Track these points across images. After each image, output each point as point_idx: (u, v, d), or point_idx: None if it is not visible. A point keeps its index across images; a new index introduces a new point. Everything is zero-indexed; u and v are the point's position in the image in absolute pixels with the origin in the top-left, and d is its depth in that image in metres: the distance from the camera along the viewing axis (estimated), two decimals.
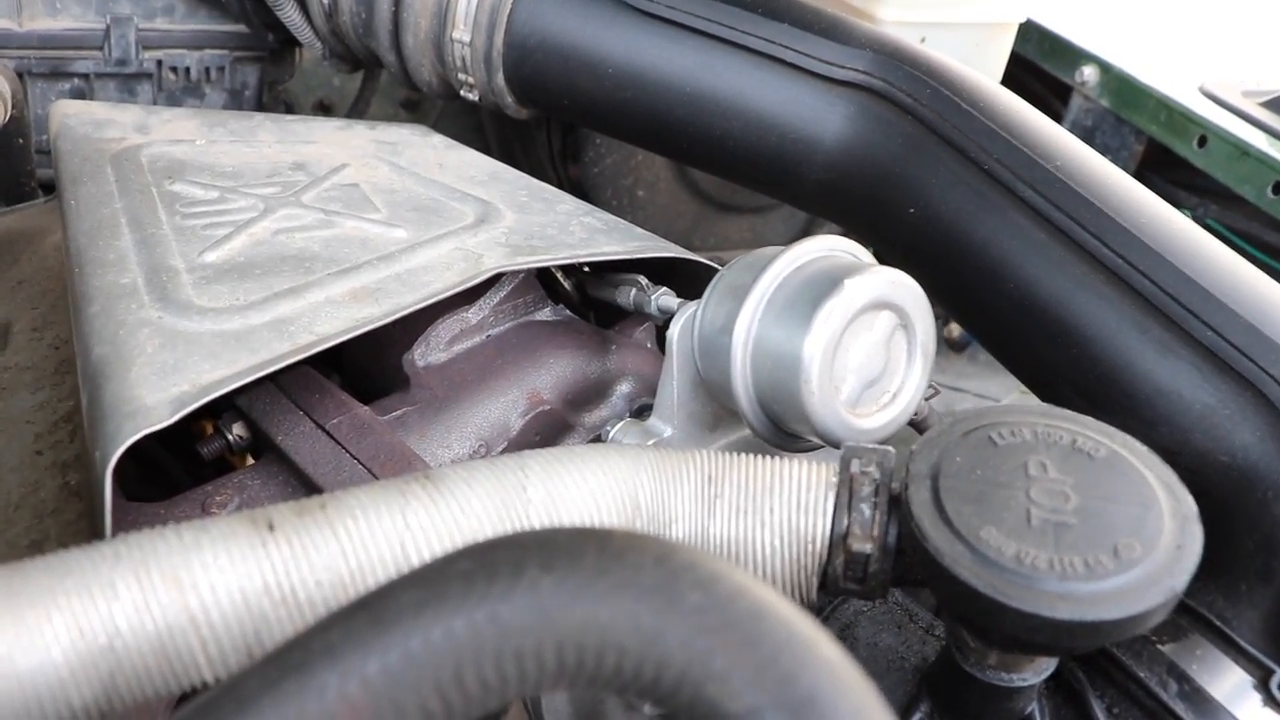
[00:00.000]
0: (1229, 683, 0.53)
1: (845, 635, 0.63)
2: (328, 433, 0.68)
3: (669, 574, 0.30)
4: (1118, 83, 1.19)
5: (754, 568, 0.50)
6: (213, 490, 0.67)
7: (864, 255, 0.61)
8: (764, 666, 0.28)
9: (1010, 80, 1.38)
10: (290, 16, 1.05)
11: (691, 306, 0.62)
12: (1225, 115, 1.10)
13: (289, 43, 1.10)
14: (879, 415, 0.58)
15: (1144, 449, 0.52)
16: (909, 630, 0.64)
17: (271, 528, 0.46)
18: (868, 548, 0.47)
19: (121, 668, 0.42)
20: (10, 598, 0.39)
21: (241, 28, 1.18)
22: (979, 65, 1.13)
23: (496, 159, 0.95)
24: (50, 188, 0.95)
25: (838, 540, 0.49)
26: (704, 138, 0.86)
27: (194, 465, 0.75)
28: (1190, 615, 0.56)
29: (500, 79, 0.95)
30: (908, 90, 0.78)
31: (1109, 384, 0.66)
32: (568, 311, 0.81)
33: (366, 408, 0.69)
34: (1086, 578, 0.45)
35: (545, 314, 0.80)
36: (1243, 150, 1.03)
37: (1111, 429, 0.53)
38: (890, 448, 0.51)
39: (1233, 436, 0.60)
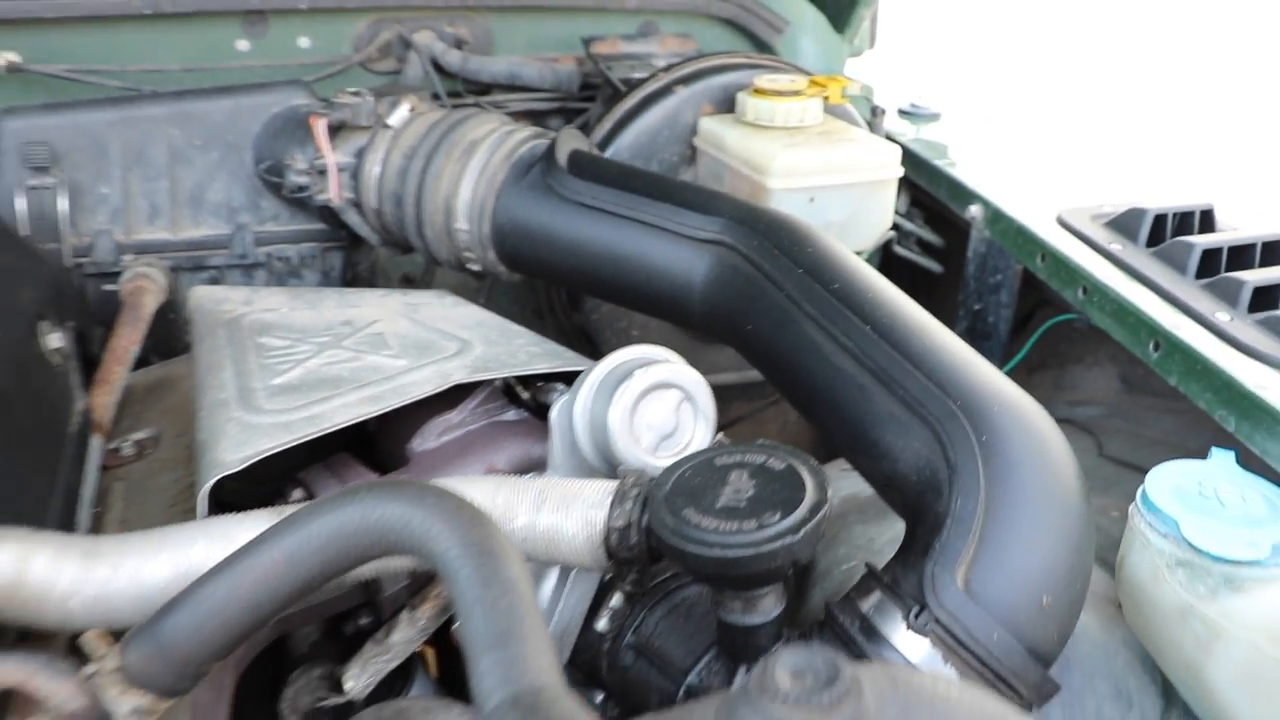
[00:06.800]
0: (889, 619, 0.81)
1: (669, 599, 0.93)
2: None
3: (423, 493, 0.63)
4: (993, 216, 1.49)
5: (566, 544, 0.81)
6: None
7: (671, 356, 0.93)
8: (452, 530, 0.61)
9: (933, 216, 1.70)
10: (351, 219, 1.47)
11: (565, 396, 0.95)
12: (1066, 236, 1.38)
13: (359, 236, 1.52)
14: (674, 458, 0.90)
15: (816, 465, 0.81)
16: None
17: None
18: (622, 523, 0.79)
19: None
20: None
21: (328, 227, 1.61)
22: (865, 216, 1.45)
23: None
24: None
25: (613, 524, 0.80)
26: (622, 287, 1.21)
27: None
28: (879, 581, 0.85)
29: (492, 254, 1.33)
30: (745, 245, 1.11)
31: (856, 435, 0.95)
32: (526, 414, 1.15)
33: (378, 477, 1.05)
34: (735, 533, 0.74)
35: (509, 415, 1.14)
36: (1062, 262, 1.31)
37: (802, 455, 0.82)
38: (648, 471, 0.82)
39: (919, 461, 0.89)
